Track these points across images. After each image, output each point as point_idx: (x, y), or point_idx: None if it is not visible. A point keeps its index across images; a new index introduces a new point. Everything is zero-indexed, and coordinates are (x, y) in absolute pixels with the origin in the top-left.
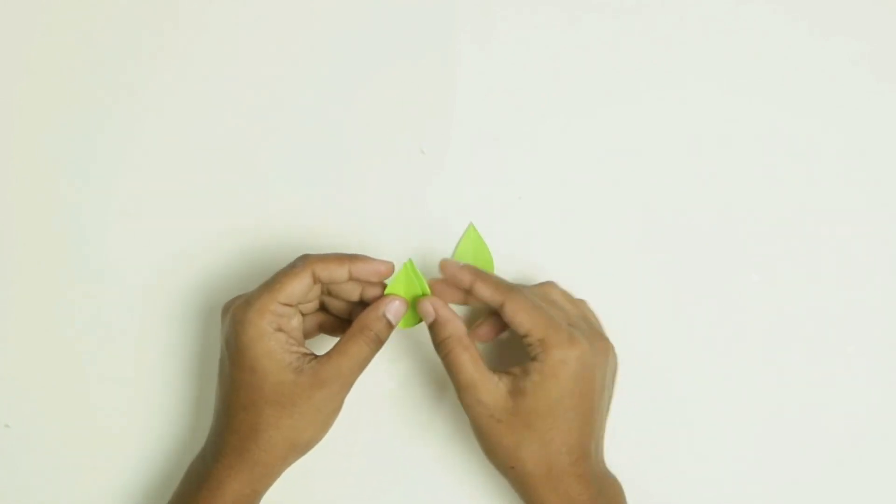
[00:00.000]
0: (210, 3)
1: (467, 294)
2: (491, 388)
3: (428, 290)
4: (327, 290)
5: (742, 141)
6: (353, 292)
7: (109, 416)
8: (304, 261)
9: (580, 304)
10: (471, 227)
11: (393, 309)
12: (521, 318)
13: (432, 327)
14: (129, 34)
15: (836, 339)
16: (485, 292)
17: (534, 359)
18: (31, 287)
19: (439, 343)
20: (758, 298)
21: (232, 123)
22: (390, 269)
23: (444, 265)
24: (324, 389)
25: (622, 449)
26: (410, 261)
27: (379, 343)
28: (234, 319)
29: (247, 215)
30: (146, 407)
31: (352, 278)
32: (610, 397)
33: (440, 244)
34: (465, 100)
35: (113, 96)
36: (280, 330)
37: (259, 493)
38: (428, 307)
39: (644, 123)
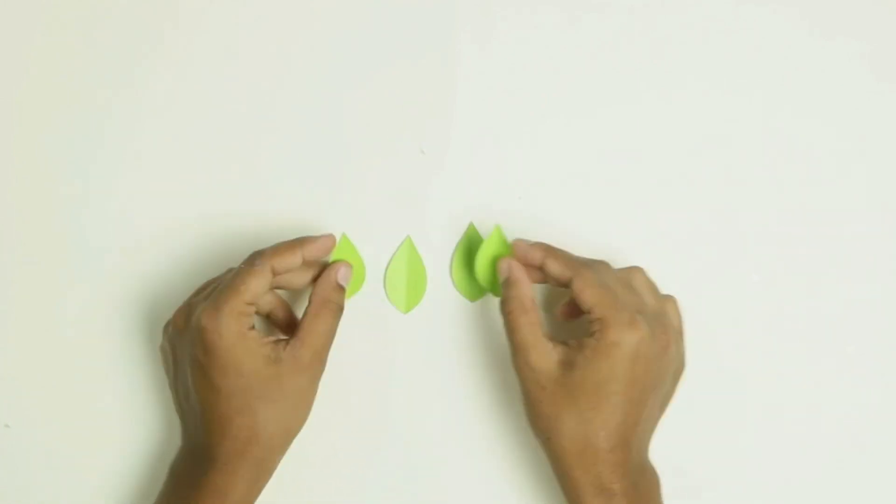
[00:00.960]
0: (210, 4)
1: (540, 272)
2: (542, 354)
3: (362, 261)
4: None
5: (742, 140)
6: (301, 279)
7: (109, 416)
8: (261, 257)
9: (664, 299)
10: (497, 229)
11: (342, 274)
12: (587, 294)
13: (504, 286)
14: (129, 32)
15: (836, 339)
16: (555, 268)
17: (591, 335)
18: (31, 287)
19: (503, 301)
20: (758, 298)
21: (231, 123)
22: (334, 240)
23: (515, 245)
24: (306, 372)
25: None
26: (345, 234)
27: (340, 311)
28: (205, 328)
29: (246, 215)
30: (147, 407)
31: (304, 262)
32: (667, 395)
33: (440, 244)
34: (465, 100)
35: (113, 95)
36: (252, 328)
37: (261, 489)
38: (504, 265)
39: (644, 123)
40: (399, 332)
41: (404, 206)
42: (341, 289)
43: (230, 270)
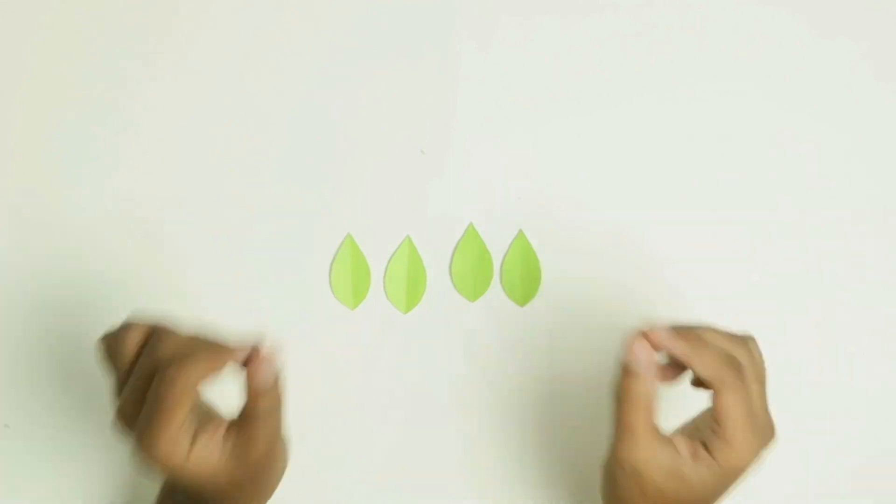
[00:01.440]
0: (210, 3)
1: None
2: (681, 442)
3: (367, 263)
4: None
5: (742, 140)
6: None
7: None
8: (181, 375)
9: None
10: (520, 234)
11: (263, 377)
12: (732, 415)
13: (625, 373)
14: (125, 33)
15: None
16: (678, 349)
17: (712, 450)
18: (32, 286)
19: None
20: (759, 298)
21: (229, 124)
22: (247, 349)
23: (651, 334)
24: (266, 454)
25: None
26: (350, 235)
27: (280, 403)
28: (152, 459)
29: (246, 217)
30: None
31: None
32: None
33: (440, 244)
34: (465, 100)
35: (109, 95)
36: (195, 436)
37: None
38: (639, 353)
39: (645, 123)
40: (399, 332)
41: (404, 206)
42: (274, 387)
43: (131, 326)
